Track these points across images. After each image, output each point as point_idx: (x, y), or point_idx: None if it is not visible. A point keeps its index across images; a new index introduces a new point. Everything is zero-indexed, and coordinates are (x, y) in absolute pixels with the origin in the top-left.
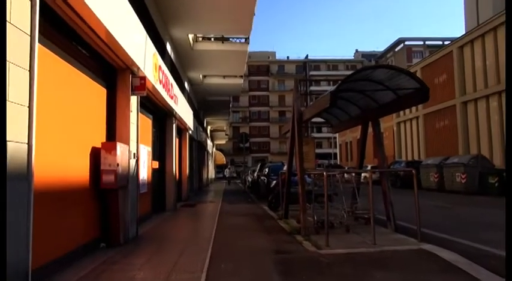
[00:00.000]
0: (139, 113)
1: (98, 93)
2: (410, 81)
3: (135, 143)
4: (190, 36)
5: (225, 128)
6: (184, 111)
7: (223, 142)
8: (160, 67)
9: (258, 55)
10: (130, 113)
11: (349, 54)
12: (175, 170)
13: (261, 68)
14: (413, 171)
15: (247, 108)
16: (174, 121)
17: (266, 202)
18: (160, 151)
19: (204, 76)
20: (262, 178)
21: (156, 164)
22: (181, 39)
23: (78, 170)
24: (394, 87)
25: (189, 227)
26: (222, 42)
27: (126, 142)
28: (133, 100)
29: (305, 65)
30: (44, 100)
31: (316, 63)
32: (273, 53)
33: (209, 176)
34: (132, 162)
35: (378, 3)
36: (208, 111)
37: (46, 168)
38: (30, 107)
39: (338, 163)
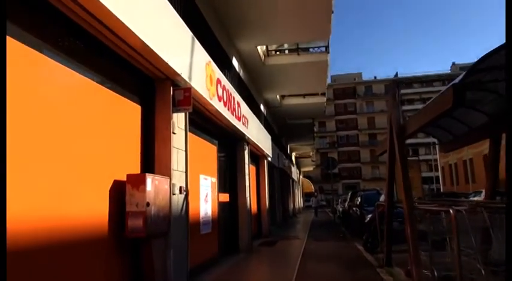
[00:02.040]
0: (188, 135)
1: (127, 110)
2: None
3: (184, 174)
4: (260, 49)
5: (311, 154)
6: (259, 135)
7: (310, 168)
8: (219, 81)
9: (343, 78)
10: (173, 136)
11: (445, 69)
12: (250, 202)
13: (347, 91)
14: None
15: (334, 133)
16: (245, 147)
17: (360, 239)
18: (230, 181)
19: (283, 97)
20: (354, 208)
21: (225, 197)
22: (250, 53)
23: (93, 214)
24: None
25: (260, 278)
26: (298, 54)
27: (166, 172)
28: (178, 118)
29: (395, 84)
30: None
31: (408, 81)
32: (359, 74)
33: (296, 206)
34: (178, 199)
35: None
36: (291, 136)
37: (32, 214)
38: None
39: (441, 188)
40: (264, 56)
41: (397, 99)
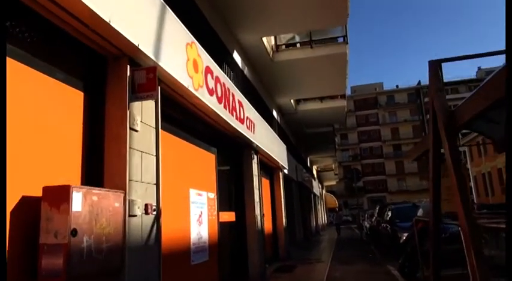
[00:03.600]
0: (159, 134)
1: (61, 98)
2: None
3: (154, 187)
4: (268, 44)
5: (333, 167)
6: (271, 144)
7: (333, 182)
8: (209, 70)
9: (363, 88)
10: (133, 134)
11: (471, 74)
12: (262, 221)
13: (368, 101)
14: None
15: (357, 145)
16: (253, 156)
17: (393, 260)
18: (236, 197)
19: (298, 102)
20: (384, 224)
21: (229, 216)
22: (255, 46)
23: None
24: None
25: None
26: (311, 47)
27: (120, 183)
28: (144, 111)
29: (418, 92)
30: None
31: None
32: (380, 84)
33: (319, 223)
34: (142, 221)
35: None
36: (310, 148)
37: None
38: None
39: (475, 199)
40: (273, 51)
41: (441, 82)
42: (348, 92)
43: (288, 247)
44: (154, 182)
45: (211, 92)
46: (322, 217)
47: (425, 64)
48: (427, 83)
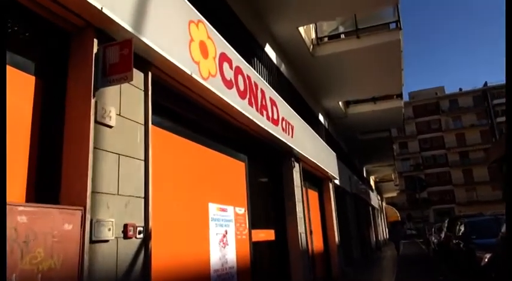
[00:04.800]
0: (150, 131)
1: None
2: None
3: (141, 201)
4: (306, 36)
5: (392, 177)
6: (316, 150)
7: (393, 194)
8: (225, 57)
9: (422, 94)
10: (105, 131)
11: None
12: (308, 238)
13: (429, 107)
14: None
15: (418, 154)
16: (294, 164)
17: None
18: (276, 211)
19: (347, 104)
20: (456, 241)
21: (266, 234)
22: (290, 38)
23: None
24: None
25: None
26: (358, 37)
27: (80, 196)
28: (124, 100)
29: (485, 94)
30: None
31: (500, 90)
32: (441, 88)
33: (379, 238)
34: (123, 248)
35: None
36: (366, 156)
37: None
38: None
39: None
40: (313, 45)
41: None
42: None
43: (343, 267)
44: (142, 195)
45: (229, 85)
46: (383, 232)
47: (492, 64)
48: (496, 83)
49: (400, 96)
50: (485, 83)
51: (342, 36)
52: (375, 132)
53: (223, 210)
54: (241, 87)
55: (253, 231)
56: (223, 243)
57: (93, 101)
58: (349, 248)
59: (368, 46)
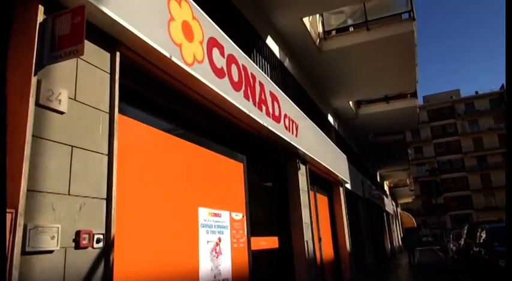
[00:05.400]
0: (115, 123)
1: None
2: None
3: (102, 206)
4: (310, 25)
5: (407, 182)
6: (325, 152)
7: (408, 199)
8: (214, 42)
9: (437, 97)
10: (56, 117)
11: None
12: (316, 246)
13: (444, 111)
14: None
15: (433, 159)
16: (299, 166)
17: None
18: (280, 217)
19: (358, 105)
20: (476, 248)
21: (269, 242)
22: (295, 29)
23: None
24: None
25: None
26: (368, 29)
27: (13, 197)
28: (86, 79)
29: (502, 97)
30: None
31: None
32: (457, 91)
33: (394, 245)
34: (73, 260)
35: None
36: (379, 160)
37: None
38: None
39: None
40: (320, 39)
41: None
42: (420, 101)
43: (355, 275)
44: (103, 196)
45: (219, 73)
46: (398, 238)
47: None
48: None
49: (414, 95)
50: (502, 86)
51: (351, 29)
52: (388, 134)
53: (217, 215)
54: (235, 78)
55: (252, 238)
56: (216, 252)
57: (34, 79)
58: (362, 255)
59: (379, 39)
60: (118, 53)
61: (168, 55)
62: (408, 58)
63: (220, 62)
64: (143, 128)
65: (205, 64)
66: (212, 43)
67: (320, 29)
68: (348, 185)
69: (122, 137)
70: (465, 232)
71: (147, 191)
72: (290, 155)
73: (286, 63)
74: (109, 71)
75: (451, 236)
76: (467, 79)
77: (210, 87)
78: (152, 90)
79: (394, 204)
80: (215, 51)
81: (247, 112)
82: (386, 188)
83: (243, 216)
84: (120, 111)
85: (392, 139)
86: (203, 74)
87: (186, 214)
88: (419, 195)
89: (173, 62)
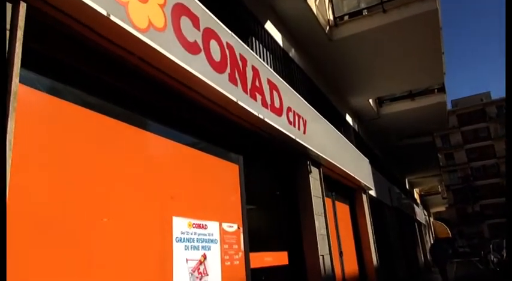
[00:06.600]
0: (14, 86)
1: None
2: None
3: None
4: (320, 14)
5: (439, 189)
6: (342, 153)
7: (441, 208)
8: (183, 9)
9: (466, 101)
10: None
11: None
12: (334, 261)
13: (475, 115)
14: None
15: (466, 165)
16: (310, 169)
17: None
18: (290, 227)
19: (380, 103)
20: None
21: (275, 258)
22: (298, 11)
23: None
24: None
25: None
26: (384, 11)
27: None
28: None
29: None
30: None
31: None
32: (487, 94)
33: (428, 257)
34: None
35: None
36: (407, 165)
37: None
38: None
39: None
40: (330, 26)
41: None
42: (448, 106)
43: None
44: None
45: (191, 48)
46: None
47: None
48: None
49: (442, 89)
50: None
51: (365, 12)
52: (415, 136)
53: (201, 226)
54: (216, 57)
55: (253, 254)
56: (199, 273)
57: None
58: (392, 269)
59: (397, 21)
60: (25, 5)
61: (104, 12)
62: (433, 43)
63: (192, 34)
64: (71, 108)
65: (169, 33)
66: (179, 10)
67: (330, 16)
68: (372, 192)
69: (27, 117)
70: (505, 242)
71: (85, 194)
72: (299, 156)
73: (292, 53)
74: (8, 27)
75: (491, 246)
76: (498, 80)
77: (176, 63)
78: (91, 64)
79: (425, 213)
80: (185, 21)
81: (234, 99)
82: (416, 196)
83: (238, 227)
84: (26, 82)
85: (420, 142)
86: (165, 46)
87: (153, 226)
88: (452, 204)
89: (115, 24)
